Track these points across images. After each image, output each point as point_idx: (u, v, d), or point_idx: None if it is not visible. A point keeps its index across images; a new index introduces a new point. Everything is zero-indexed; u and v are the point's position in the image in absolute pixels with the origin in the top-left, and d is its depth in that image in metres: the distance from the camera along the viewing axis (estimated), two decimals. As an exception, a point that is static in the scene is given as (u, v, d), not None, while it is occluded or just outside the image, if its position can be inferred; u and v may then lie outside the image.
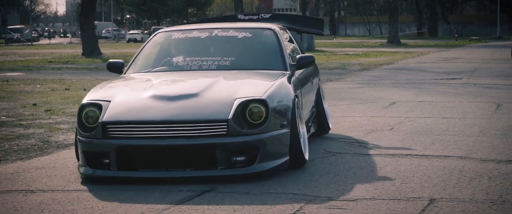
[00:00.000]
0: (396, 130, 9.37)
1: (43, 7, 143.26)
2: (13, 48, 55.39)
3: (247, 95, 6.52)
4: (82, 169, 6.57)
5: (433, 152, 7.75)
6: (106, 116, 6.48)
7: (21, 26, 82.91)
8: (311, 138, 8.55)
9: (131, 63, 8.01)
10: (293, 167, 6.76)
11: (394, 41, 54.00)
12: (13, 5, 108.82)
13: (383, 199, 5.71)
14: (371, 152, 7.83)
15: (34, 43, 71.99)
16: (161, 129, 6.35)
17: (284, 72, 7.46)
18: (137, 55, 8.11)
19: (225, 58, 7.70)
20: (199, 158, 6.35)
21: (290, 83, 7.11)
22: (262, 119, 6.38)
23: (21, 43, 69.97)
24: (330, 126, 9.07)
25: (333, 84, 17.51)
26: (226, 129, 6.30)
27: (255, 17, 9.57)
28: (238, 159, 6.37)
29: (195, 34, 8.16)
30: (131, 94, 6.89)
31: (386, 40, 56.68)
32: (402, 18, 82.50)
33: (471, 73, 20.56)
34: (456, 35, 65.62)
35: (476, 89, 15.19)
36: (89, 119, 6.55)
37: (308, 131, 7.86)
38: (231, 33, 8.09)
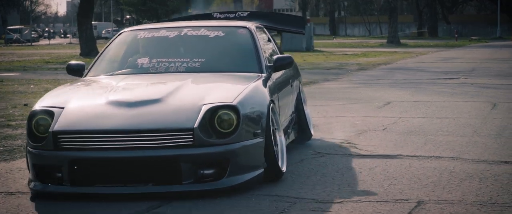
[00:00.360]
0: (389, 130, 9.22)
1: (43, 7, 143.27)
2: (12, 49, 55.24)
3: (216, 101, 5.88)
4: (31, 184, 5.90)
5: (424, 152, 7.60)
6: (57, 125, 5.78)
7: (20, 26, 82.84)
8: (301, 139, 8.41)
9: (92, 66, 7.37)
10: (269, 180, 6.12)
11: (393, 41, 53.83)
12: (13, 5, 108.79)
13: (369, 201, 5.57)
14: (361, 152, 7.67)
15: (33, 43, 71.86)
16: (119, 139, 5.65)
17: (260, 74, 6.85)
18: (99, 56, 7.50)
19: (195, 59, 7.05)
20: (162, 171, 5.67)
21: (265, 86, 6.55)
22: (233, 127, 5.74)
23: (20, 44, 69.84)
24: (312, 132, 8.40)
25: (329, 84, 17.36)
26: (191, 139, 5.64)
27: (231, 16, 9.01)
28: (206, 172, 5.70)
29: (163, 33, 7.51)
30: (87, 100, 6.20)
31: (386, 40, 56.52)
32: (402, 18, 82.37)
33: (469, 73, 20.39)
34: (456, 35, 65.45)
35: (473, 89, 15.03)
36: (40, 127, 5.87)
37: (287, 138, 7.36)
38: (202, 32, 7.44)
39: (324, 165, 7.00)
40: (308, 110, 8.62)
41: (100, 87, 6.59)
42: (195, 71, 6.88)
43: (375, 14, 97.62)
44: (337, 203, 5.53)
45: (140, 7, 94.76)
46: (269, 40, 8.04)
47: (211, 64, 7.03)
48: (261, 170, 5.99)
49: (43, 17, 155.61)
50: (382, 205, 5.43)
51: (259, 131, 5.96)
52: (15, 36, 73.85)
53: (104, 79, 7.00)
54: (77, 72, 7.35)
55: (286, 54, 7.38)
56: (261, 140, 5.99)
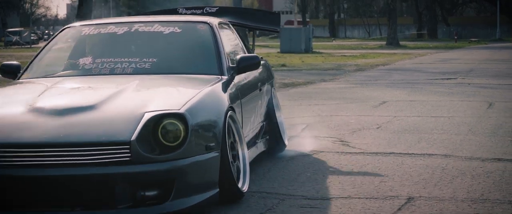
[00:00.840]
0: (383, 129, 9.15)
1: (43, 10, 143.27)
2: (12, 51, 55.21)
3: (160, 108, 4.92)
4: None
5: (417, 150, 7.53)
6: None
7: (20, 29, 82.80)
8: (292, 138, 8.35)
9: (27, 67, 6.48)
10: (225, 201, 5.26)
11: (393, 43, 53.78)
12: (13, 8, 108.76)
13: (359, 197, 5.50)
14: (353, 150, 7.61)
15: (33, 45, 71.82)
16: (41, 154, 4.69)
17: (219, 77, 5.98)
18: (37, 56, 6.58)
19: (145, 59, 6.14)
20: (92, 193, 4.69)
21: (224, 91, 5.70)
22: (180, 139, 4.79)
23: (20, 46, 69.82)
24: (286, 142, 7.48)
25: (326, 85, 17.29)
26: (128, 154, 4.69)
27: (199, 11, 8.09)
28: (147, 194, 4.75)
29: (111, 29, 6.57)
30: (7, 107, 5.19)
31: (385, 42, 56.47)
32: (401, 20, 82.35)
33: (467, 73, 20.33)
34: (455, 37, 65.42)
35: (469, 89, 14.96)
36: None
37: (255, 149, 6.60)
38: (156, 28, 6.53)
39: (315, 163, 6.93)
40: (282, 117, 7.74)
41: (28, 92, 5.66)
42: (144, 73, 5.99)
43: (375, 16, 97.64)
44: (326, 199, 5.46)
45: (138, 8, 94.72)
46: (236, 38, 7.23)
47: (163, 65, 6.15)
48: (216, 190, 5.07)
49: (43, 19, 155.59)
50: (371, 202, 5.36)
51: (213, 144, 5.03)
52: (15, 39, 73.81)
53: (37, 82, 6.06)
54: (11, 74, 6.50)
55: (252, 54, 6.65)
56: (216, 154, 5.06)
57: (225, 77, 6.00)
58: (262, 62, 7.44)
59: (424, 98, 13.07)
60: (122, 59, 6.18)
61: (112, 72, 6.06)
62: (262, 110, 7.11)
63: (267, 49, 43.35)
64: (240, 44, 7.25)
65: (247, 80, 6.60)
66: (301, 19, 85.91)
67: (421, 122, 9.71)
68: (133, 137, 4.71)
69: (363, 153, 7.44)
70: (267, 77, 7.57)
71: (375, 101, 12.63)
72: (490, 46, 50.90)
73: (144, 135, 4.76)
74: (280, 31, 8.68)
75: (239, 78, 6.29)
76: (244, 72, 6.32)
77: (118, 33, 6.53)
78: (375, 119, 10.11)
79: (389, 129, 9.11)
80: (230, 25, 7.34)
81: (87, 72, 6.13)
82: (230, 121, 5.48)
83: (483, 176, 6.21)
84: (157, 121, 4.81)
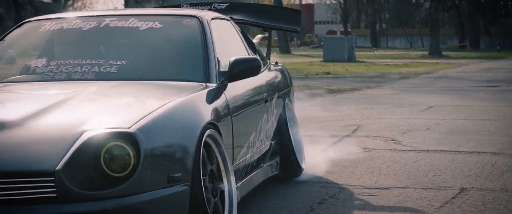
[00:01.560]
0: (432, 130, 9.48)
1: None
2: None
3: (105, 125, 3.70)
4: None
5: (467, 148, 7.86)
6: None
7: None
8: (344, 138, 8.72)
9: None
10: None
11: (435, 53, 53.82)
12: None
13: (414, 188, 5.87)
14: (405, 148, 7.96)
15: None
16: None
17: (204, 85, 4.71)
18: None
19: (112, 62, 4.87)
20: None
21: (208, 103, 4.47)
22: (129, 168, 3.58)
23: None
24: (303, 165, 6.27)
25: (372, 91, 17.62)
26: (53, 189, 3.50)
27: (206, 8, 6.69)
28: None
29: (76, 24, 5.30)
30: None
31: (427, 52, 56.52)
32: (444, 31, 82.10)
33: (511, 82, 20.51)
34: (498, 47, 65.19)
35: (514, 96, 15.21)
36: None
37: (255, 177, 5.35)
38: (132, 23, 5.21)
39: (370, 159, 7.30)
40: (300, 134, 6.53)
41: None
42: (109, 79, 4.73)
43: (417, 26, 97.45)
44: (384, 189, 5.84)
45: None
46: (240, 37, 5.99)
47: (133, 69, 4.87)
48: None
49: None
50: (427, 191, 5.73)
51: (179, 175, 3.80)
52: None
53: None
54: None
55: (250, 56, 5.41)
56: (184, 188, 3.83)
57: (212, 85, 4.73)
58: (278, 67, 6.68)
59: (470, 103, 13.36)
60: (84, 62, 4.89)
61: (68, 77, 4.79)
62: (270, 125, 5.80)
63: (309, 59, 43.68)
64: (244, 45, 5.92)
65: (246, 89, 5.29)
66: (343, 29, 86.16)
67: (468, 124, 10.03)
68: (59, 165, 3.49)
69: (414, 150, 7.79)
70: (281, 86, 6.33)
71: (422, 106, 12.94)
72: (533, 56, 50.69)
73: (78, 162, 3.54)
74: (299, 31, 7.01)
75: (233, 87, 4.97)
76: (239, 79, 4.98)
77: (84, 29, 5.25)
78: (423, 121, 10.44)
79: (437, 130, 9.44)
80: (232, 21, 6.08)
81: (38, 77, 4.90)
82: (211, 143, 4.26)
83: (531, 171, 6.54)
84: (99, 143, 3.59)
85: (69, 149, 3.56)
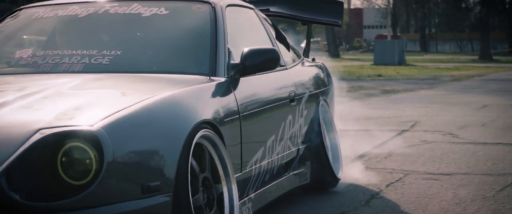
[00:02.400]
0: (488, 126, 9.82)
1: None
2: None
3: (62, 124, 3.09)
4: None
5: (523, 142, 8.23)
6: None
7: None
8: (404, 132, 9.11)
9: None
10: None
11: (485, 57, 53.72)
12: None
13: (475, 174, 6.26)
14: (463, 141, 8.34)
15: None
16: None
17: (208, 78, 4.11)
18: None
19: (105, 52, 4.29)
20: None
21: (207, 98, 3.87)
22: (91, 174, 2.99)
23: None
24: (339, 175, 5.61)
25: (425, 92, 17.94)
26: None
27: None
28: None
29: (72, 10, 4.76)
30: None
31: (477, 57, 56.41)
32: (494, 35, 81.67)
33: None
34: (550, 52, 64.72)
35: None
36: None
37: (273, 186, 4.66)
38: (134, 8, 4.63)
39: (430, 149, 7.69)
40: (338, 139, 5.86)
41: None
42: (100, 71, 4.16)
43: (467, 30, 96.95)
44: (447, 174, 6.24)
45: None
46: (266, 28, 5.27)
47: (128, 61, 4.30)
48: None
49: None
50: (487, 177, 6.12)
51: (156, 183, 3.18)
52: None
53: None
54: None
55: (267, 47, 4.63)
56: (165, 199, 3.23)
57: (218, 79, 4.12)
58: (314, 63, 6.08)
59: (524, 103, 13.66)
60: (73, 52, 4.34)
61: (54, 70, 4.24)
62: (295, 129, 5.07)
63: (359, 62, 43.98)
64: (269, 37, 5.20)
65: (263, 85, 4.64)
66: (392, 33, 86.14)
67: (524, 121, 10.37)
68: (0, 169, 2.93)
69: (472, 143, 8.16)
70: (315, 85, 5.64)
71: (476, 105, 13.26)
72: None
73: (26, 165, 2.96)
74: (341, 25, 6.33)
75: (246, 82, 4.34)
76: (254, 72, 4.36)
77: (79, 16, 4.71)
78: (479, 118, 10.78)
79: (494, 126, 9.79)
80: (256, 10, 5.36)
81: (19, 70, 4.36)
82: (206, 146, 3.66)
83: None
84: (55, 143, 3.01)
85: (17, 150, 2.96)
